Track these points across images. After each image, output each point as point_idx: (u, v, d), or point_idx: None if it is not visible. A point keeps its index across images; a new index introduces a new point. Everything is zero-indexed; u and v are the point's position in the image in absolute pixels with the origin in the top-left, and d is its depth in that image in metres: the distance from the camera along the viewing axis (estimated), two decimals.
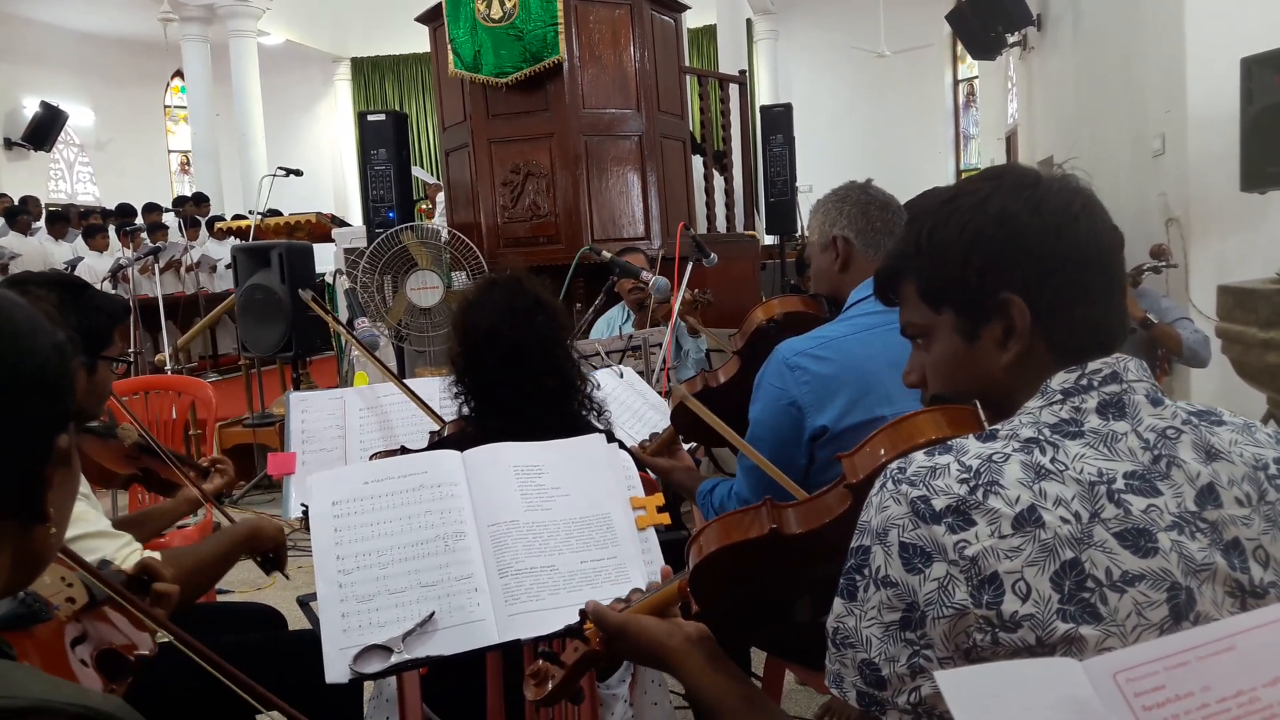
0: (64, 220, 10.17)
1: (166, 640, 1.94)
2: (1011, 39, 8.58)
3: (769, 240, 8.36)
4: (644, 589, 1.20)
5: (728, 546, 1.18)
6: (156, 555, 1.74)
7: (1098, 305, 0.98)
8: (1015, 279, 0.97)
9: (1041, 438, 0.92)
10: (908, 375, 1.10)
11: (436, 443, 1.96)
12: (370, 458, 2.10)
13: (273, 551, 1.99)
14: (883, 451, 1.14)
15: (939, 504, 0.89)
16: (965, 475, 0.90)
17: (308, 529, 1.88)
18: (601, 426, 2.00)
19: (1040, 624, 0.85)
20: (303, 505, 2.27)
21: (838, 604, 0.95)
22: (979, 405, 1.08)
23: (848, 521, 0.98)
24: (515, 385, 1.88)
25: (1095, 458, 0.91)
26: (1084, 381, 0.95)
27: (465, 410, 1.96)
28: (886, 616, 0.90)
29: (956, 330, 1.02)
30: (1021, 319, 0.97)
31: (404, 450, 2.01)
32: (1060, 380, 0.95)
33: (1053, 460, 0.90)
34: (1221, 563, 0.88)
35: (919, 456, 0.93)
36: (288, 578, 2.12)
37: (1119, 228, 1.01)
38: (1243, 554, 0.89)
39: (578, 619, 1.36)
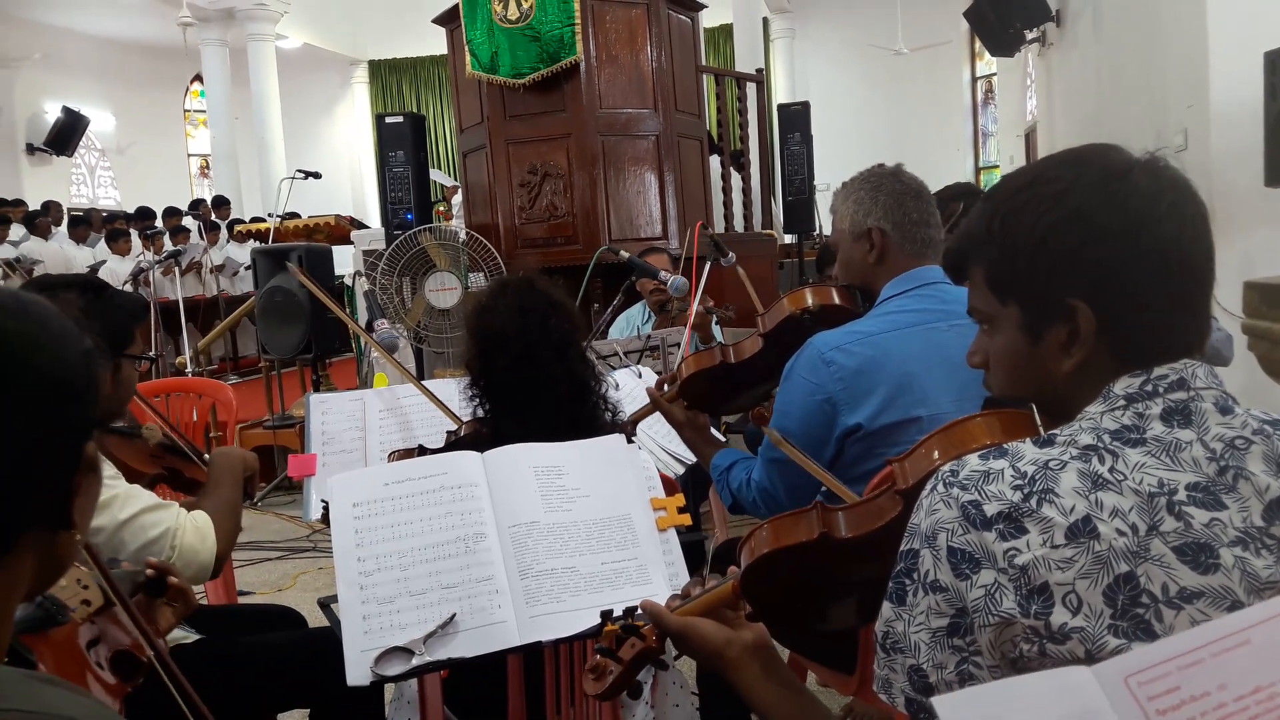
0: (86, 224, 10.25)
1: (186, 641, 1.96)
2: (1030, 35, 8.52)
3: (787, 239, 8.34)
4: (703, 585, 1.19)
5: (778, 550, 1.17)
6: (207, 516, 1.82)
7: (1174, 314, 0.92)
8: (1085, 284, 0.91)
9: (1101, 445, 0.89)
10: (971, 356, 1.06)
11: (453, 443, 1.96)
12: (388, 456, 2.10)
13: (248, 480, 2.08)
14: (935, 456, 1.13)
15: (990, 510, 0.87)
16: (1019, 481, 0.87)
17: (326, 522, 1.90)
18: (617, 427, 1.99)
19: (1090, 637, 0.82)
20: (323, 501, 2.29)
21: (886, 608, 0.93)
22: (1035, 410, 1.05)
23: (897, 527, 0.97)
24: (529, 388, 1.88)
25: (1156, 468, 0.87)
26: (1149, 387, 0.91)
27: (480, 413, 1.96)
28: (935, 622, 0.89)
29: (1021, 327, 0.97)
30: (1087, 326, 0.92)
31: (422, 449, 2.02)
32: (1124, 385, 0.91)
33: (1111, 469, 0.87)
34: None
35: (973, 460, 0.91)
36: (255, 503, 2.23)
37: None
38: None
39: (599, 621, 1.36)
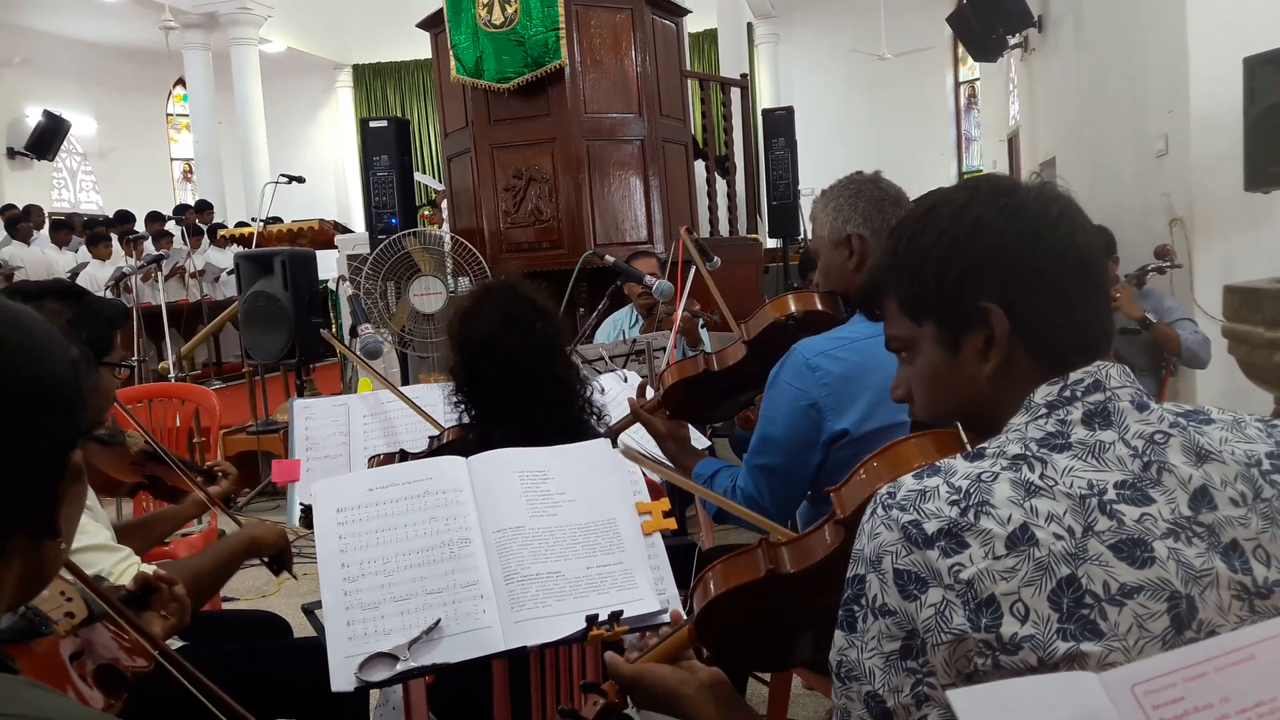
0: (67, 229, 10.18)
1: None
2: (1012, 41, 8.57)
3: (771, 243, 8.36)
4: (660, 632, 1.20)
5: (730, 591, 1.18)
6: (152, 568, 1.74)
7: (1079, 311, 0.96)
8: (992, 287, 0.96)
9: (1029, 453, 0.91)
10: (895, 390, 1.09)
11: (437, 449, 1.96)
12: (368, 460, 2.09)
13: (277, 554, 2.00)
14: (871, 482, 1.13)
15: (931, 528, 0.88)
16: (955, 497, 0.89)
17: (307, 526, 1.88)
18: (602, 431, 1.99)
19: (1041, 645, 0.83)
20: (302, 504, 2.28)
21: (838, 636, 0.93)
22: (960, 428, 1.07)
23: (842, 555, 0.97)
24: (515, 394, 1.87)
25: (1084, 470, 0.89)
26: (1067, 393, 0.93)
27: (465, 419, 1.95)
28: (887, 646, 0.89)
29: (938, 342, 1.01)
30: (1000, 328, 0.96)
31: (403, 454, 2.01)
32: (1043, 394, 0.94)
33: (1041, 476, 0.89)
34: (1222, 566, 0.86)
35: (908, 480, 0.92)
36: (295, 578, 2.13)
37: (1109, 229, 1.00)
38: (1243, 555, 0.87)
39: (584, 625, 1.36)
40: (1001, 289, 0.95)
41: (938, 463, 0.94)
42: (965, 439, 1.07)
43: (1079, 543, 0.86)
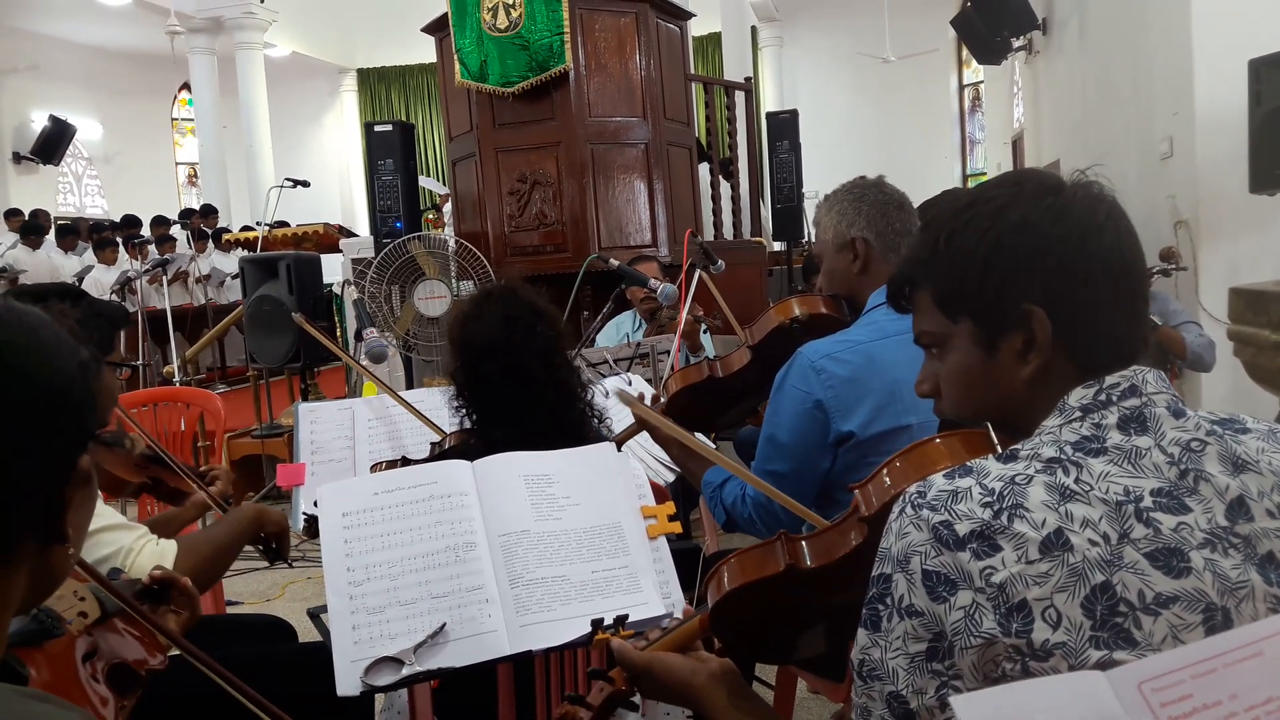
0: (73, 233, 10.21)
1: (178, 652, 1.95)
2: (1017, 43, 8.58)
3: (776, 246, 8.36)
4: (665, 625, 1.19)
5: (747, 584, 1.16)
6: (173, 544, 1.76)
7: (1121, 317, 0.95)
8: (1036, 290, 0.93)
9: (1064, 457, 0.89)
10: (920, 385, 1.07)
11: (439, 454, 1.96)
12: (370, 468, 2.09)
13: (275, 539, 2.02)
14: (897, 480, 1.11)
15: (962, 529, 0.86)
16: (988, 499, 0.87)
17: (312, 535, 1.88)
18: (605, 434, 1.98)
19: (1073, 652, 0.82)
20: (305, 513, 2.28)
21: (862, 635, 0.92)
22: (990, 429, 1.05)
23: (864, 553, 0.96)
24: (516, 397, 1.87)
25: (1120, 475, 0.88)
26: (1102, 397, 0.92)
27: (467, 423, 1.95)
28: (912, 647, 0.88)
29: (975, 341, 0.98)
30: (1043, 331, 0.94)
31: (405, 461, 2.01)
32: (1078, 397, 0.92)
33: (1077, 480, 0.87)
34: (1258, 579, 0.84)
35: (938, 479, 0.91)
36: (290, 565, 2.13)
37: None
38: (1279, 568, 0.85)
39: (590, 629, 1.36)
40: (1045, 292, 0.93)
41: (969, 463, 0.92)
42: (996, 440, 1.05)
43: (1114, 549, 0.84)
